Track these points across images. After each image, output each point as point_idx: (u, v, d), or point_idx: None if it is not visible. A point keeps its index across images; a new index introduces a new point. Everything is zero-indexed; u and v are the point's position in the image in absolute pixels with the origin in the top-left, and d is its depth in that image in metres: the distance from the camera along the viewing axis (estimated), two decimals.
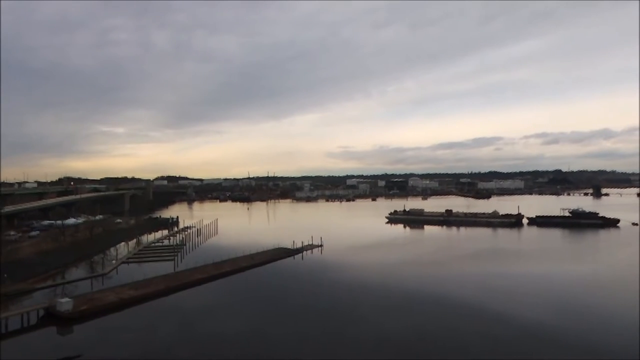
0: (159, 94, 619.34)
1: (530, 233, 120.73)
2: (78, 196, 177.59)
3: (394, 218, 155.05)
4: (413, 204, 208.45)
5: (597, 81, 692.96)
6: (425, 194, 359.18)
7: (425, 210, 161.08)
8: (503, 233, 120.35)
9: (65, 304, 46.66)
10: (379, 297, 55.62)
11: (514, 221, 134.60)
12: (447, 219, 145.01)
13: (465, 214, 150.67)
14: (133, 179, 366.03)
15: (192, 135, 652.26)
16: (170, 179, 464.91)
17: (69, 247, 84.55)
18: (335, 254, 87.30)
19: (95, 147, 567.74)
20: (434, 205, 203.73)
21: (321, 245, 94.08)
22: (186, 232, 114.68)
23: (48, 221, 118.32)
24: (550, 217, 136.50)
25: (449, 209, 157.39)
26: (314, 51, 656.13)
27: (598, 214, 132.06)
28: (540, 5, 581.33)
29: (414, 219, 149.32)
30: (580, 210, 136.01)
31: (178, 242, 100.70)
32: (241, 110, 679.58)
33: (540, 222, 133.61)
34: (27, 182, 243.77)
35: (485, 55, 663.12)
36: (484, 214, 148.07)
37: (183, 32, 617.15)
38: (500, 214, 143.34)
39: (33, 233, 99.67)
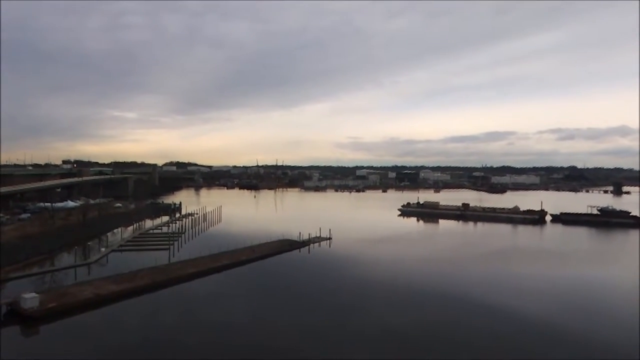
0: (170, 80, 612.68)
1: (555, 231, 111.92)
2: (79, 179, 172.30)
3: (407, 211, 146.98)
4: (426, 196, 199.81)
5: (615, 76, 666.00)
6: (437, 186, 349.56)
7: (440, 204, 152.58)
8: (526, 230, 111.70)
9: (30, 300, 39.90)
10: (393, 297, 48.94)
11: (537, 218, 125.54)
12: (464, 214, 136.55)
13: (484, 209, 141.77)
14: (142, 164, 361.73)
15: (202, 122, 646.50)
16: (179, 165, 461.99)
17: (57, 232, 78.19)
18: (345, 248, 79.98)
19: (106, 132, 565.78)
20: (447, 198, 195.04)
21: (330, 238, 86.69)
22: (187, 219, 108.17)
23: (44, 204, 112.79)
24: (576, 214, 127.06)
25: (466, 202, 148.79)
26: (326, 39, 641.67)
27: (630, 212, 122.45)
28: None
29: (429, 212, 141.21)
30: (610, 208, 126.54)
31: (177, 229, 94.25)
32: (251, 98, 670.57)
33: (566, 219, 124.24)
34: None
35: (500, 47, 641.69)
36: (503, 209, 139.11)
37: (195, 16, 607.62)
38: (521, 209, 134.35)
39: (23, 216, 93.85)
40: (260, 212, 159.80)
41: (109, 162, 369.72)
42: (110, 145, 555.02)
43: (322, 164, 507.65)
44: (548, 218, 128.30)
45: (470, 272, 61.90)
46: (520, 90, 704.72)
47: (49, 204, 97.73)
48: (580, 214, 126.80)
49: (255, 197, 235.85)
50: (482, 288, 53.30)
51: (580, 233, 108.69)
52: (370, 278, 57.86)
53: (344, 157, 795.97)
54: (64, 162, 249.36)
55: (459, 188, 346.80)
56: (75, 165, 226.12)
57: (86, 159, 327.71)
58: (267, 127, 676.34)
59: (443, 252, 77.99)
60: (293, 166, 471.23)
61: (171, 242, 77.21)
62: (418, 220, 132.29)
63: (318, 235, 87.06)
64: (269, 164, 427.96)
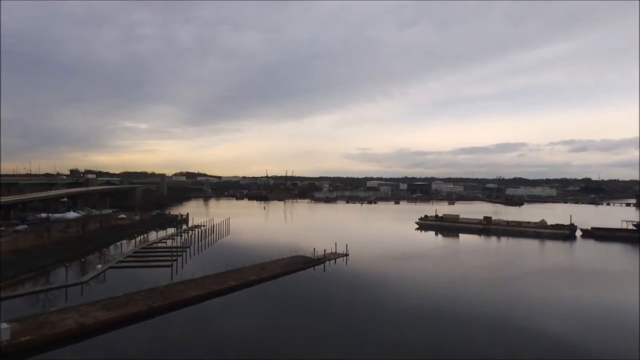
0: (181, 91, 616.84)
1: (590, 248, 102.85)
2: (84, 189, 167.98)
3: (424, 224, 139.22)
4: (441, 208, 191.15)
5: (629, 87, 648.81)
6: (451, 198, 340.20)
7: (460, 217, 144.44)
8: (556, 246, 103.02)
9: (0, 331, 33.62)
10: (432, 330, 41.03)
11: (567, 233, 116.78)
12: (487, 228, 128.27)
13: (508, 223, 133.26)
14: (151, 174, 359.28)
15: (212, 132, 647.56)
16: (189, 175, 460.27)
17: (52, 246, 72.33)
18: (365, 266, 72.68)
19: (119, 142, 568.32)
20: (463, 210, 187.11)
21: (347, 254, 79.62)
22: (194, 232, 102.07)
23: (40, 214, 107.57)
24: (609, 229, 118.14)
25: (488, 215, 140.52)
26: (336, 51, 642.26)
27: None
28: (572, 6, 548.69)
29: (448, 226, 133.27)
30: None
31: (182, 243, 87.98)
32: (261, 109, 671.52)
33: (599, 235, 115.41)
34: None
35: (512, 58, 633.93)
36: (529, 223, 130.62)
37: (207, 28, 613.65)
38: (548, 223, 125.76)
39: (20, 227, 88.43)
40: (270, 224, 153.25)
41: (119, 172, 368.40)
42: (123, 156, 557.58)
43: (332, 175, 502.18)
44: (578, 233, 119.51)
45: (526, 298, 53.96)
46: (532, 101, 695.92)
47: (45, 215, 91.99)
48: (614, 229, 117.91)
49: (264, 208, 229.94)
50: (538, 318, 45.75)
51: (618, 250, 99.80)
52: (398, 303, 50.56)
53: (353, 168, 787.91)
54: (72, 171, 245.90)
55: (473, 200, 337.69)
56: (82, 175, 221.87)
57: (98, 170, 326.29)
58: (277, 138, 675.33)
59: (480, 272, 70.09)
60: (303, 177, 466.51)
61: (174, 258, 70.83)
62: (437, 234, 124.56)
63: (334, 250, 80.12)
64: (279, 174, 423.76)
